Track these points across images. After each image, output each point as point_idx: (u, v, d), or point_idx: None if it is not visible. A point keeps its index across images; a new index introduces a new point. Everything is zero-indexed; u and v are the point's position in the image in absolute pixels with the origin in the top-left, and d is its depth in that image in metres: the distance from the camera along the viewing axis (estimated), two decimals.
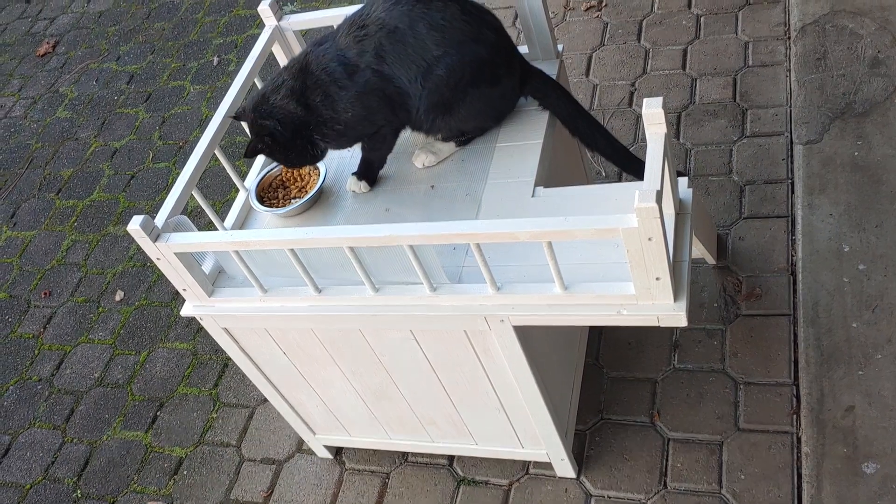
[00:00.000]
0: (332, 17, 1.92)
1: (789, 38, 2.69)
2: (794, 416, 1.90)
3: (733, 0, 2.92)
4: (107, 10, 4.29)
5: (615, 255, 1.50)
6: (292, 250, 1.52)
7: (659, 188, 1.26)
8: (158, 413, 2.46)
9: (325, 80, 1.65)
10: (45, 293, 2.94)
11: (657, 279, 1.35)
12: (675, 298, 1.39)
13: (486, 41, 1.66)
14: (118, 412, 2.50)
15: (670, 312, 1.40)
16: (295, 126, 1.68)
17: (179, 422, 2.41)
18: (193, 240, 1.56)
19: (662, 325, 1.42)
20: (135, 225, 1.53)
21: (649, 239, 1.28)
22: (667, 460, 1.93)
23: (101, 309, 2.81)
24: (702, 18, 2.91)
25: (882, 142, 2.26)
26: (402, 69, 1.64)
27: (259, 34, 1.96)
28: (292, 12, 2.02)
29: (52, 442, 2.49)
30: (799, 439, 1.86)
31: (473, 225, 1.38)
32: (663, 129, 1.37)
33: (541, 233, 1.33)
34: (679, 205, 1.54)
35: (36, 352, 2.77)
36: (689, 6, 2.98)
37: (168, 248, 1.57)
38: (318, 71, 1.66)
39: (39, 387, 2.66)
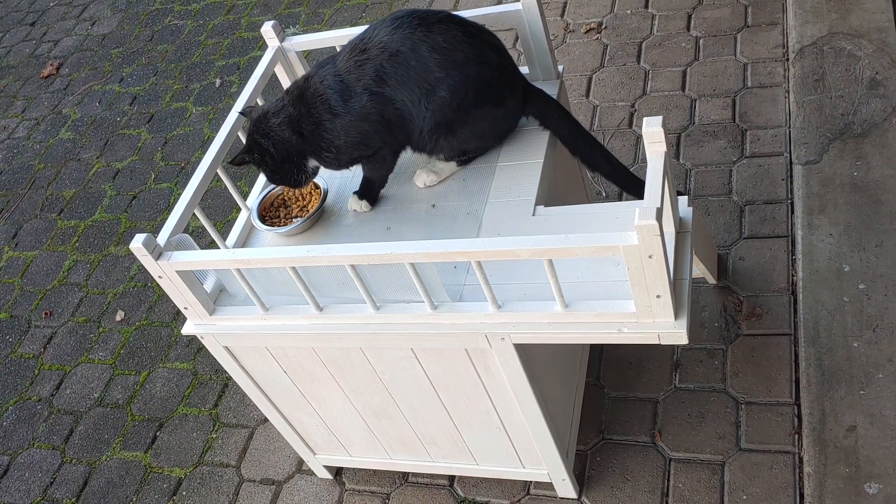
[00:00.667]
0: (334, 38, 1.94)
1: (788, 59, 2.71)
2: (796, 436, 1.90)
3: (732, 23, 2.95)
4: (110, 33, 4.32)
5: (616, 274, 1.50)
6: (294, 268, 1.53)
7: (659, 206, 1.27)
8: (158, 433, 2.45)
9: (319, 107, 1.69)
10: (46, 313, 2.94)
11: (658, 297, 1.36)
12: (676, 316, 1.40)
13: (489, 62, 1.68)
14: (118, 432, 2.49)
15: (671, 330, 1.40)
16: (287, 152, 1.73)
17: (179, 442, 2.40)
18: (195, 258, 1.57)
19: (663, 342, 1.42)
20: (137, 243, 1.54)
21: (650, 256, 1.29)
22: (668, 480, 1.92)
23: (101, 329, 2.81)
24: (701, 40, 2.94)
25: (881, 162, 2.27)
26: (404, 91, 1.66)
27: (261, 56, 1.98)
28: (294, 34, 2.04)
29: (51, 462, 2.48)
30: (801, 459, 1.86)
31: (474, 243, 1.38)
32: (663, 147, 1.38)
33: (541, 250, 1.33)
34: (679, 223, 1.54)
35: (36, 372, 2.76)
36: (688, 28, 3.00)
37: (170, 266, 1.58)
38: (314, 97, 1.69)
39: (39, 407, 2.65)
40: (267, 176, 1.80)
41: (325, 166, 1.78)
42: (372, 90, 1.66)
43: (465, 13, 1.83)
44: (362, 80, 1.66)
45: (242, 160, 1.76)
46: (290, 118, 1.70)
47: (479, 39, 1.68)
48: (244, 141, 1.79)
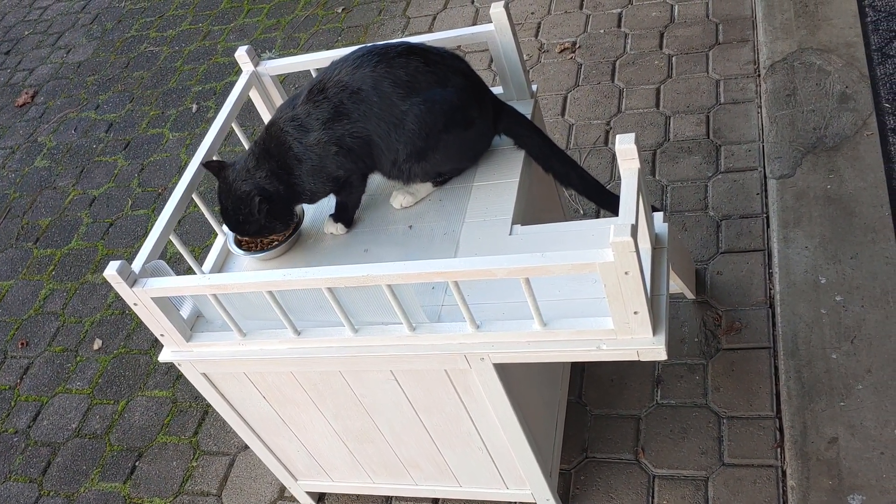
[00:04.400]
0: (308, 62, 1.94)
1: (759, 75, 2.75)
2: (779, 450, 1.90)
3: (703, 40, 2.98)
4: (86, 60, 4.31)
5: (593, 291, 1.50)
6: (270, 292, 1.52)
7: (634, 222, 1.27)
8: (137, 463, 2.42)
9: (285, 156, 1.71)
10: (23, 343, 2.90)
11: (635, 313, 1.36)
12: (654, 332, 1.40)
13: (455, 86, 1.69)
14: (96, 463, 2.45)
15: (649, 346, 1.40)
16: (279, 194, 1.74)
17: (159, 471, 2.37)
18: (170, 284, 1.55)
19: (642, 359, 1.42)
20: (111, 270, 1.52)
21: (626, 273, 1.29)
22: (653, 497, 1.91)
23: (78, 358, 2.78)
24: (673, 58, 2.97)
25: (853, 175, 2.30)
26: (368, 124, 1.67)
27: (237, 81, 1.98)
28: (271, 58, 2.04)
29: (29, 496, 2.43)
30: (784, 472, 1.86)
31: (450, 263, 1.38)
32: (636, 164, 1.39)
33: (518, 269, 1.33)
34: (655, 239, 1.55)
35: (12, 403, 2.72)
36: (661, 46, 3.03)
37: (145, 294, 1.56)
38: (279, 148, 1.71)
39: (16, 439, 2.61)
40: (267, 230, 1.77)
41: (304, 202, 1.82)
42: (327, 124, 1.67)
43: (438, 35, 1.84)
44: (320, 117, 1.67)
45: (258, 223, 1.74)
46: (270, 171, 1.72)
47: (442, 66, 1.69)
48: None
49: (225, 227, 1.92)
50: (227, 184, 1.75)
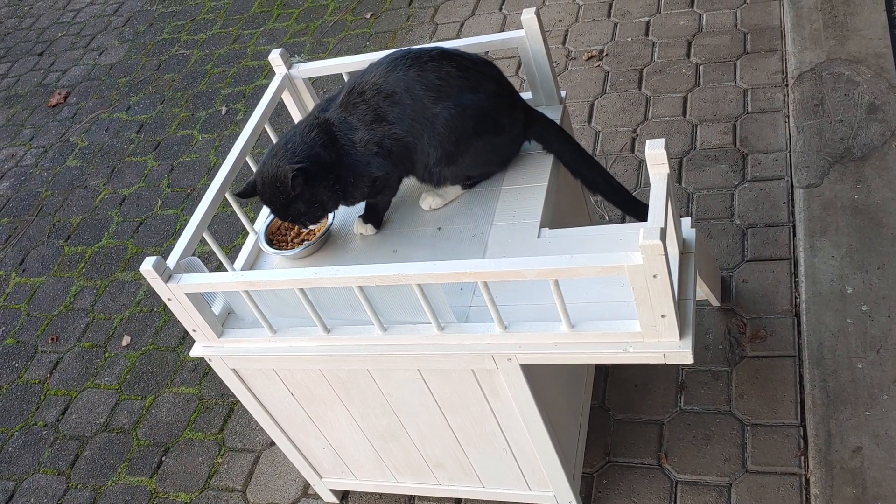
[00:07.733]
0: (340, 65, 1.97)
1: (787, 85, 2.75)
2: (802, 458, 1.90)
3: (731, 49, 2.99)
4: (118, 62, 4.38)
5: (621, 294, 1.52)
6: (302, 290, 1.54)
7: (663, 226, 1.29)
8: (164, 458, 2.45)
9: (332, 144, 1.70)
10: (53, 338, 2.95)
11: (663, 316, 1.37)
12: (681, 336, 1.41)
13: (486, 92, 1.71)
14: (123, 457, 2.49)
15: (676, 350, 1.41)
16: (323, 168, 1.69)
17: (184, 467, 2.41)
18: (204, 280, 1.58)
19: (669, 362, 1.43)
20: (147, 266, 1.56)
21: (654, 276, 1.30)
22: (675, 502, 1.92)
23: (107, 354, 2.82)
24: (701, 67, 2.97)
25: (881, 185, 2.29)
26: (403, 126, 1.69)
27: (266, 84, 2.01)
28: (300, 62, 2.07)
29: (57, 488, 2.48)
30: (807, 481, 1.86)
31: (481, 263, 1.40)
32: (666, 168, 1.40)
33: (547, 271, 1.35)
34: (683, 244, 1.56)
35: (42, 397, 2.77)
36: (689, 55, 3.04)
37: (179, 289, 1.59)
38: (328, 136, 1.71)
39: (45, 432, 2.65)
40: (313, 204, 1.71)
41: (340, 201, 1.78)
42: (370, 125, 1.69)
43: (468, 41, 1.87)
44: (363, 118, 1.70)
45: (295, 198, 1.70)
46: (323, 143, 1.70)
47: (475, 72, 1.71)
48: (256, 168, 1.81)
49: (256, 226, 1.96)
50: (264, 169, 1.71)
